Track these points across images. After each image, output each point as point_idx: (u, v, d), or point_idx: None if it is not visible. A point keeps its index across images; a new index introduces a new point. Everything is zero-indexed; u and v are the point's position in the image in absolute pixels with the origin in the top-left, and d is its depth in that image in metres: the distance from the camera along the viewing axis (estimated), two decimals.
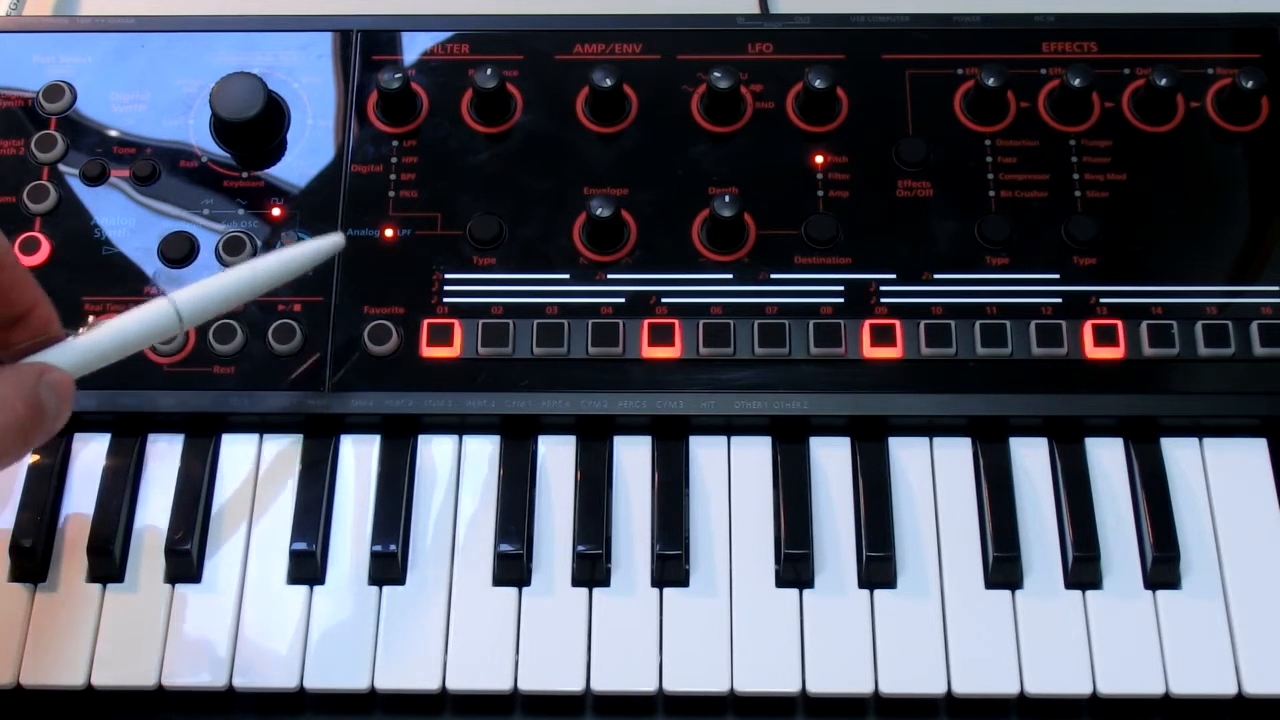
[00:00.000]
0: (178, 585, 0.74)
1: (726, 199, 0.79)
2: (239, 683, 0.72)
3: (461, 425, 0.78)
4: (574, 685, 0.72)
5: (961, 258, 0.80)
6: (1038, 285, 0.79)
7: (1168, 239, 0.80)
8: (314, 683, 0.72)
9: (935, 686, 0.72)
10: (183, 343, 0.78)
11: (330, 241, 0.73)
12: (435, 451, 0.77)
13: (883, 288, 0.79)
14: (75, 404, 0.76)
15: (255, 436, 0.78)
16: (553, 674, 0.72)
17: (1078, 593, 0.74)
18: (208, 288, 0.68)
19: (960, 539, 0.75)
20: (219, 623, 0.73)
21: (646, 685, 0.72)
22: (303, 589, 0.74)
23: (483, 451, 0.77)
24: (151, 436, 0.78)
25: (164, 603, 0.74)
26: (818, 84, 0.82)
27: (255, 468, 0.77)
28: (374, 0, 0.90)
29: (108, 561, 0.74)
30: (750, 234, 0.80)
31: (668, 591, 0.74)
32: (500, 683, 0.72)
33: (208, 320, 0.70)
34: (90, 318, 0.77)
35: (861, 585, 0.74)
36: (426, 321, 0.78)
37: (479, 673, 0.72)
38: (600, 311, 0.78)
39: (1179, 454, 0.77)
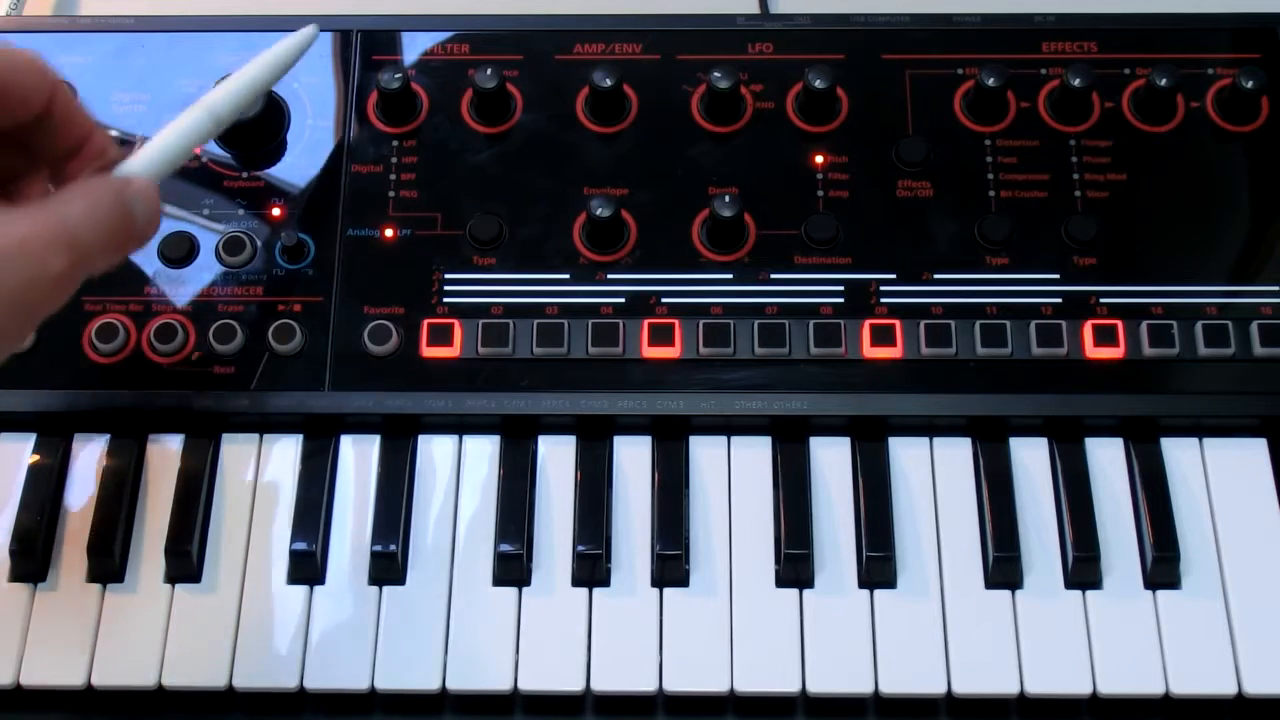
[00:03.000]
0: (178, 585, 0.74)
1: (727, 199, 0.79)
2: (239, 683, 0.72)
3: (461, 425, 0.78)
4: (574, 685, 0.72)
5: (961, 258, 0.80)
6: (1038, 285, 0.79)
7: (1168, 239, 0.80)
8: (314, 683, 0.72)
9: (935, 686, 0.72)
10: (183, 342, 0.78)
11: (308, 31, 0.77)
12: (435, 451, 0.77)
13: (883, 288, 0.79)
14: (74, 404, 0.77)
15: (255, 436, 0.78)
16: (553, 674, 0.72)
17: (1078, 593, 0.74)
18: (231, 86, 0.72)
19: (960, 539, 0.75)
20: (219, 623, 0.73)
21: (646, 685, 0.72)
22: (303, 589, 0.74)
23: (483, 451, 0.77)
24: (152, 436, 0.78)
25: (164, 603, 0.74)
26: (818, 84, 0.82)
27: (255, 468, 0.77)
28: (374, 0, 0.90)
29: (108, 561, 0.74)
30: (750, 234, 0.80)
31: (668, 591, 0.74)
32: (500, 683, 0.72)
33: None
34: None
35: (861, 585, 0.74)
36: (426, 321, 0.78)
37: (479, 673, 0.72)
38: (600, 311, 0.78)
39: (1179, 454, 0.77)
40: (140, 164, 0.67)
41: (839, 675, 0.72)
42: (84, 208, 0.61)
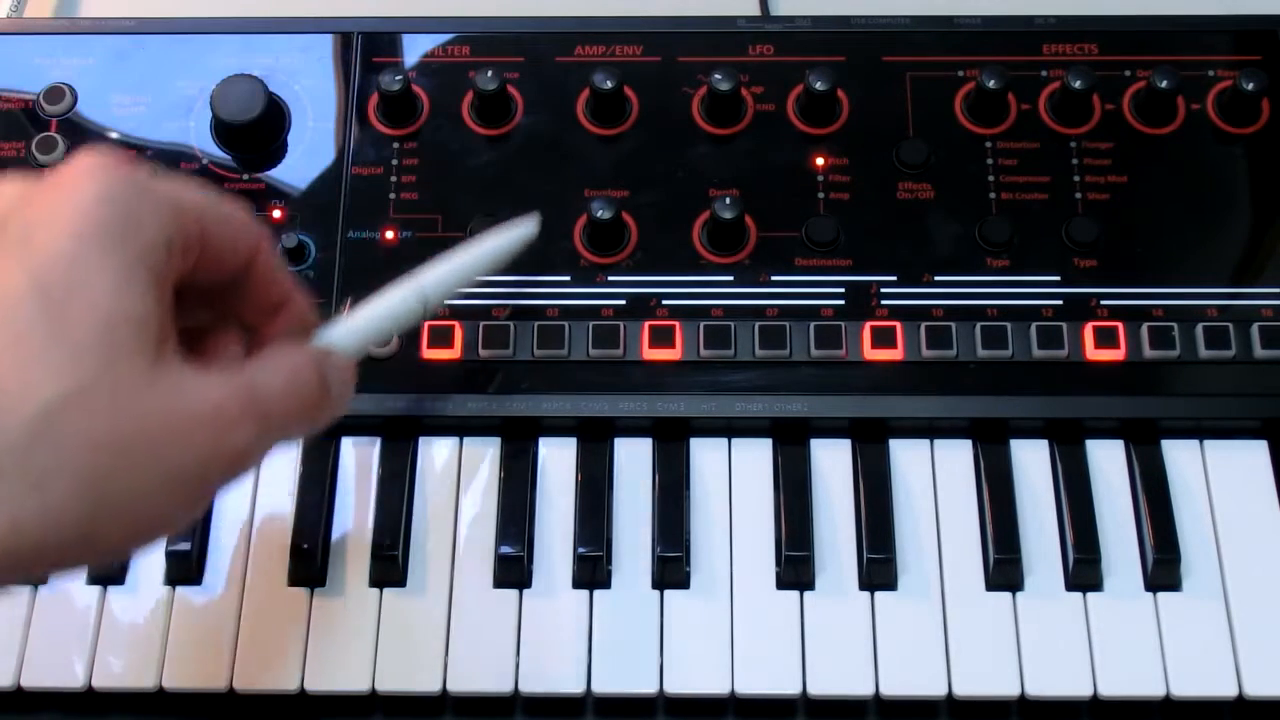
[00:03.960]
0: (178, 587, 0.74)
1: (727, 201, 0.79)
2: (239, 685, 0.72)
3: (462, 427, 0.78)
4: (575, 687, 0.72)
5: (962, 259, 0.80)
6: (1038, 287, 0.79)
7: (1168, 241, 0.80)
8: (314, 685, 0.72)
9: (936, 689, 0.72)
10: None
11: (529, 225, 0.73)
12: (436, 453, 0.77)
13: (883, 289, 0.79)
14: None
15: None
16: (553, 676, 0.72)
17: (1078, 594, 0.74)
18: (445, 269, 0.69)
19: (961, 541, 0.75)
20: (219, 625, 0.73)
21: (647, 687, 0.72)
22: (303, 591, 0.74)
23: (483, 453, 0.77)
24: None
25: (164, 605, 0.74)
26: (818, 86, 0.82)
27: (256, 470, 0.77)
28: (374, 2, 0.90)
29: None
30: (751, 236, 0.80)
31: (668, 593, 0.74)
32: (501, 685, 0.72)
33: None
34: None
35: (862, 587, 0.74)
36: (427, 323, 0.78)
37: (480, 675, 0.72)
38: (601, 313, 0.78)
39: (1179, 456, 0.77)
40: (341, 336, 0.64)
41: (840, 677, 0.72)
42: (282, 379, 0.58)
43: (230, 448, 0.55)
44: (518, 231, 0.73)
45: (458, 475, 0.77)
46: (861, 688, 0.72)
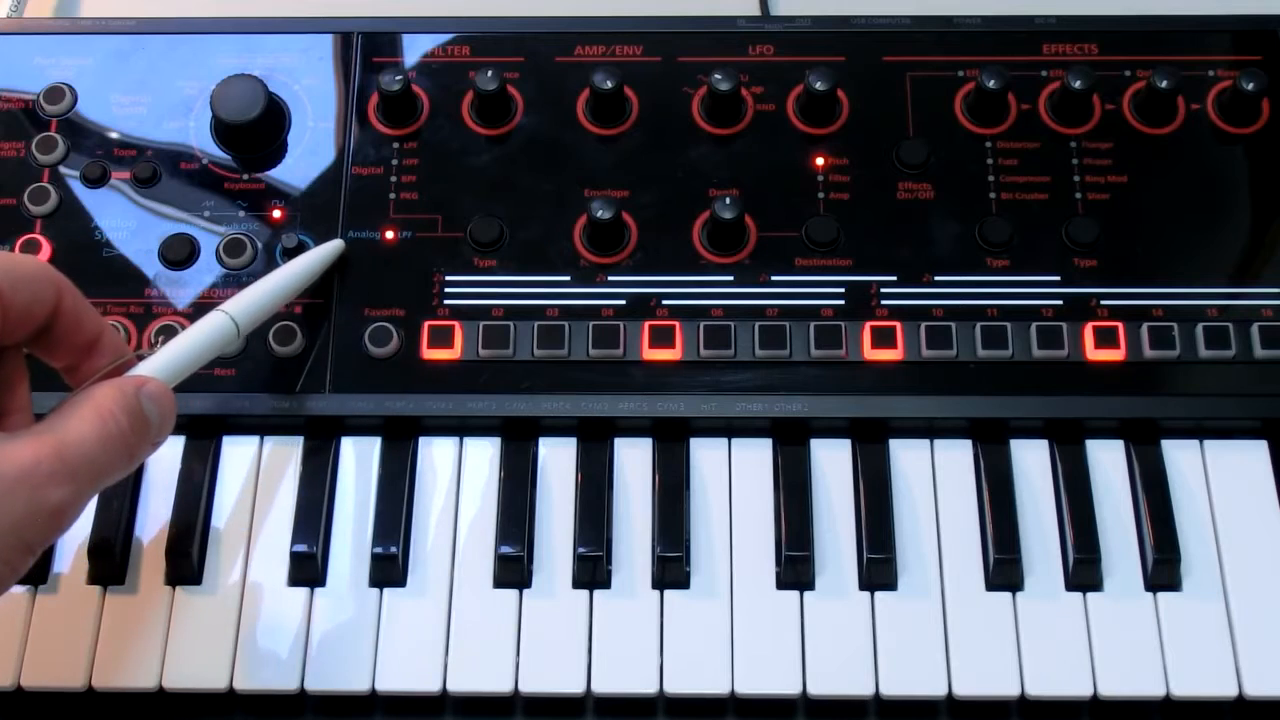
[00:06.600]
0: (178, 587, 0.74)
1: (727, 201, 0.79)
2: (240, 685, 0.72)
3: (462, 427, 0.78)
4: (575, 687, 0.72)
5: (962, 260, 0.80)
6: (1038, 287, 0.79)
7: (1168, 241, 0.80)
8: (315, 685, 0.72)
9: (936, 688, 0.72)
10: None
11: (334, 245, 0.79)
12: (436, 453, 0.77)
13: (883, 290, 0.79)
14: None
15: (256, 438, 0.78)
16: (553, 676, 0.72)
17: (1078, 595, 0.74)
18: (253, 293, 0.73)
19: (961, 541, 0.75)
20: (220, 625, 0.73)
21: (647, 687, 0.72)
22: (303, 591, 0.74)
23: (483, 453, 0.77)
24: None
25: (164, 605, 0.74)
26: (818, 86, 0.82)
27: (256, 470, 0.77)
28: (374, 2, 0.90)
29: (108, 564, 0.74)
30: (751, 236, 0.80)
31: (668, 593, 0.74)
32: (501, 685, 0.72)
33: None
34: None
35: (862, 587, 0.74)
36: (427, 323, 0.78)
37: (479, 674, 0.72)
38: (601, 313, 0.78)
39: (1179, 456, 0.77)
40: (156, 365, 0.66)
41: (840, 677, 0.72)
42: (91, 427, 0.58)
43: (46, 506, 0.56)
44: (324, 251, 0.77)
45: (458, 475, 0.77)
46: (861, 688, 0.72)
